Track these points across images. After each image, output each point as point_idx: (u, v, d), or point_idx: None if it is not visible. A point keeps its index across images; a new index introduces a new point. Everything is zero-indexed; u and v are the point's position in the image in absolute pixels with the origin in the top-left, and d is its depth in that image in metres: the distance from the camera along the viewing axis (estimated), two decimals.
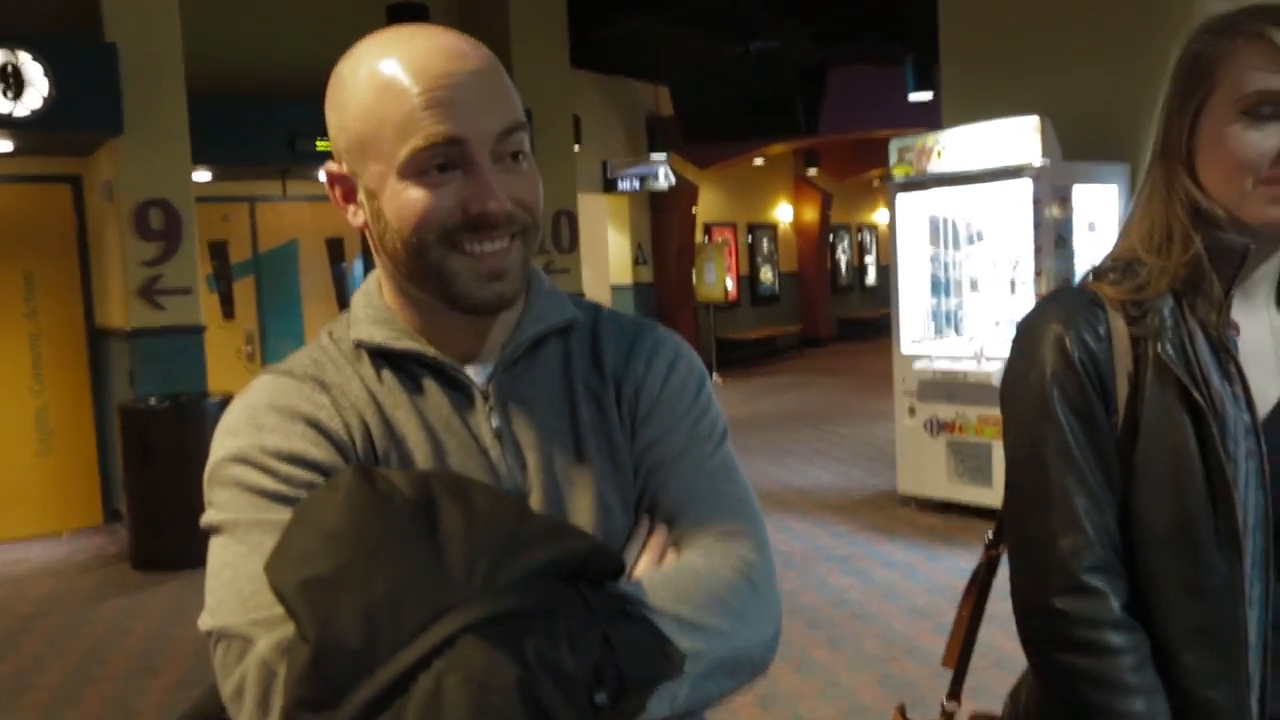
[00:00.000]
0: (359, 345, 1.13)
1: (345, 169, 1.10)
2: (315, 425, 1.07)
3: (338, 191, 1.12)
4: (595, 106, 13.63)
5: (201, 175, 8.07)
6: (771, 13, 12.20)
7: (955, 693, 1.69)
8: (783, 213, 18.71)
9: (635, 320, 1.26)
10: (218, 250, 9.09)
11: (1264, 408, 1.30)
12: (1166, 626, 1.26)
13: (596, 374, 1.19)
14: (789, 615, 5.24)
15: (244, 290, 9.28)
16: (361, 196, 1.09)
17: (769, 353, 17.55)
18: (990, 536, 1.61)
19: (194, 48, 7.37)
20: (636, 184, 14.17)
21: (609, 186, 14.28)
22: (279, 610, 0.93)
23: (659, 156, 14.28)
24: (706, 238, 16.39)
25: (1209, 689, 1.25)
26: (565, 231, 10.43)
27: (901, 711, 1.74)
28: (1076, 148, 6.66)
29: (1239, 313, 1.32)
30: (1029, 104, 6.65)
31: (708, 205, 16.29)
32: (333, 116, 1.09)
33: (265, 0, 8.69)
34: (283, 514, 0.99)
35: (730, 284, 16.47)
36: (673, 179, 14.21)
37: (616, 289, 14.74)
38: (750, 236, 17.86)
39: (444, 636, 0.85)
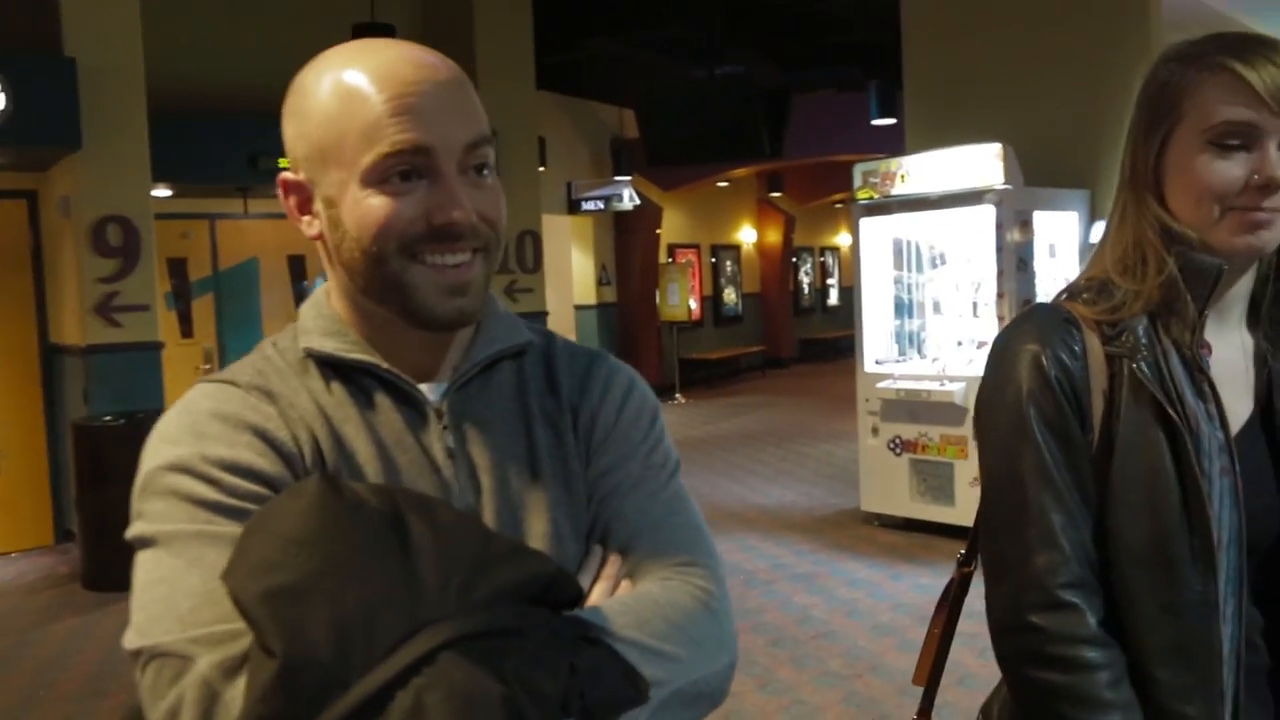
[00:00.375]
0: (309, 355, 1.09)
1: (303, 177, 1.06)
2: (262, 436, 1.02)
3: (293, 201, 1.09)
4: (561, 128, 13.64)
5: (161, 192, 7.98)
6: (737, 38, 12.29)
7: (925, 710, 1.67)
8: (746, 235, 18.79)
9: (588, 349, 1.25)
10: (177, 267, 8.99)
11: (1236, 426, 1.31)
12: (1142, 643, 1.27)
13: (552, 399, 1.17)
14: (753, 633, 5.25)
15: (203, 308, 9.18)
16: (319, 205, 1.06)
17: (732, 373, 17.58)
18: (963, 554, 1.60)
19: (156, 64, 7.29)
20: (601, 205, 14.17)
21: (574, 207, 14.27)
22: (221, 628, 0.89)
23: (623, 178, 14.30)
24: (670, 258, 16.41)
25: (1184, 704, 1.26)
26: (529, 251, 10.43)
27: None
28: (1037, 174, 6.77)
29: (1211, 333, 1.34)
30: (991, 131, 6.75)
31: (672, 226, 16.33)
32: (292, 124, 1.06)
33: (229, 18, 8.65)
34: (226, 526, 0.95)
35: (693, 304, 16.49)
36: (637, 200, 14.23)
37: (580, 309, 14.72)
38: (714, 258, 17.92)
39: (423, 652, 0.82)
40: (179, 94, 7.94)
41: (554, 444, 1.14)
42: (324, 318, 1.12)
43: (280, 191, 1.10)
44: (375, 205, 1.01)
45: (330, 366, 1.09)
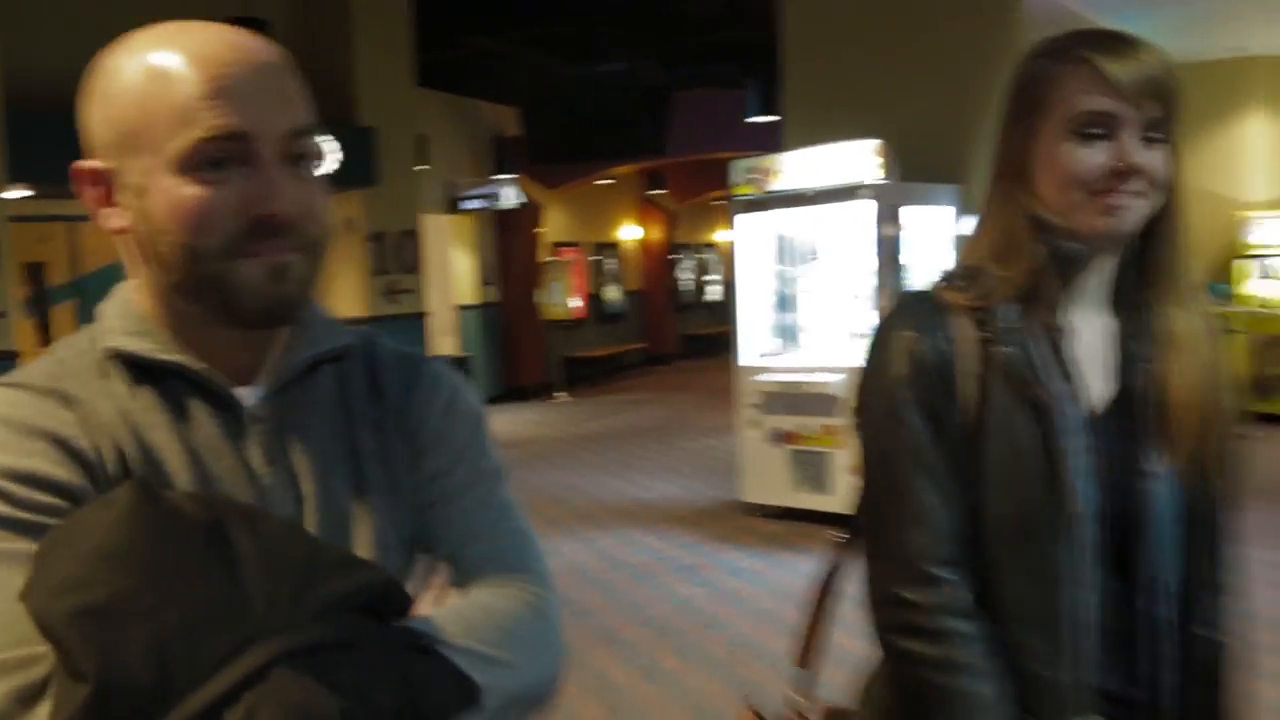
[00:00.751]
0: (111, 356, 1.00)
1: (104, 165, 0.97)
2: (59, 443, 0.93)
3: (92, 193, 0.99)
4: (442, 126, 13.43)
5: (17, 193, 7.58)
6: (618, 35, 12.28)
7: (807, 689, 1.70)
8: (628, 232, 18.81)
9: (411, 352, 1.19)
10: (34, 272, 8.56)
11: (1097, 405, 1.37)
12: (1010, 613, 1.34)
13: (376, 403, 1.11)
14: (639, 626, 5.23)
15: (63, 315, 8.75)
16: (124, 195, 0.97)
17: (616, 369, 17.58)
18: (840, 538, 1.62)
19: (10, 58, 6.92)
20: (483, 204, 13.99)
21: (455, 206, 14.06)
22: (14, 654, 0.82)
23: (506, 176, 14.15)
24: (553, 257, 16.33)
25: (1049, 669, 1.33)
26: (409, 251, 10.26)
27: (752, 710, 1.77)
28: (912, 170, 6.92)
29: (1075, 316, 1.39)
30: (867, 128, 6.89)
31: (554, 225, 16.25)
32: (94, 109, 0.97)
33: (94, 8, 8.25)
34: (19, 543, 0.87)
35: (576, 302, 16.46)
36: (520, 199, 14.10)
37: (463, 308, 14.54)
38: (596, 255, 17.89)
39: (253, 668, 0.77)
40: (37, 90, 7.54)
41: (378, 449, 1.09)
42: (129, 316, 1.03)
43: (75, 182, 1.00)
44: (189, 195, 0.93)
45: (136, 368, 1.01)
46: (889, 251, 6.63)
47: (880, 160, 6.67)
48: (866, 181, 6.67)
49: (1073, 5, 7.26)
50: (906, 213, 6.79)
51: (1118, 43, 1.33)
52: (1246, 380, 9.25)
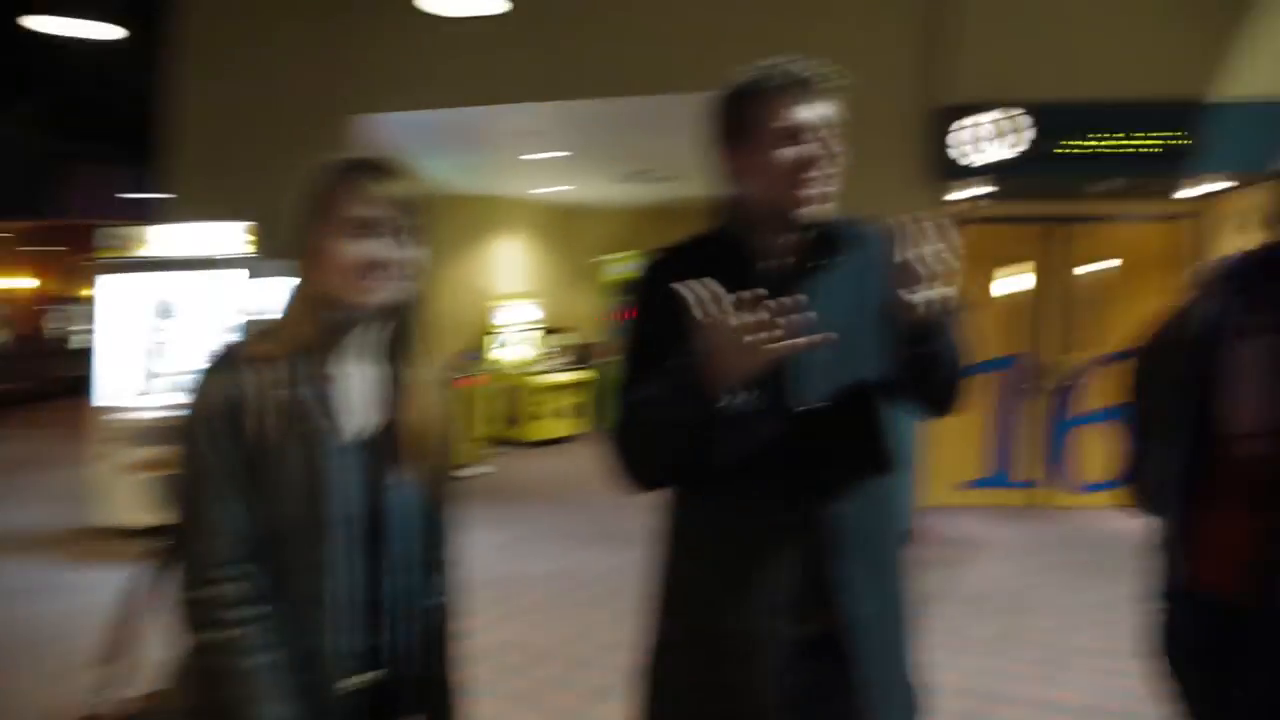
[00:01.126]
0: None
1: None
2: None
3: None
4: None
5: None
6: (21, 101, 9.94)
7: (123, 683, 1.59)
8: (13, 283, 15.24)
9: None
10: None
11: (364, 434, 1.38)
12: (294, 597, 1.30)
13: None
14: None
15: None
16: None
17: (2, 406, 13.93)
18: (160, 547, 1.48)
19: None
20: None
21: None
22: None
23: None
24: None
25: (320, 640, 1.30)
26: None
27: (84, 712, 1.64)
28: (270, 248, 6.49)
29: (348, 366, 1.39)
30: (235, 209, 6.41)
31: None
32: None
33: None
34: None
35: None
36: None
37: None
38: None
39: None
40: None
41: None
42: None
43: None
44: None
45: None
46: (241, 312, 6.17)
47: (252, 238, 6.37)
48: (237, 254, 6.31)
49: (391, 143, 7.40)
50: (264, 281, 6.32)
51: (383, 167, 1.37)
52: (498, 416, 9.43)
